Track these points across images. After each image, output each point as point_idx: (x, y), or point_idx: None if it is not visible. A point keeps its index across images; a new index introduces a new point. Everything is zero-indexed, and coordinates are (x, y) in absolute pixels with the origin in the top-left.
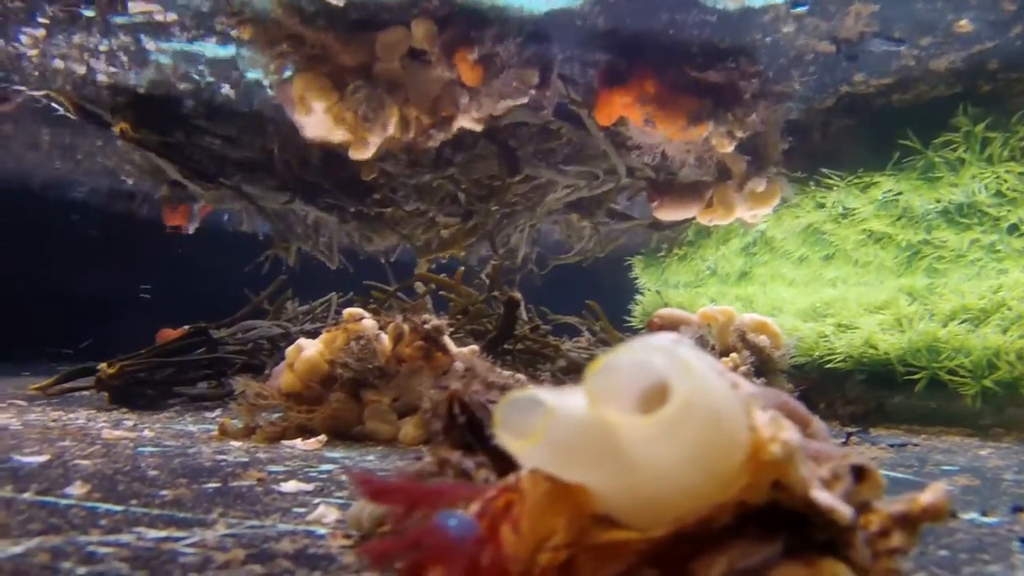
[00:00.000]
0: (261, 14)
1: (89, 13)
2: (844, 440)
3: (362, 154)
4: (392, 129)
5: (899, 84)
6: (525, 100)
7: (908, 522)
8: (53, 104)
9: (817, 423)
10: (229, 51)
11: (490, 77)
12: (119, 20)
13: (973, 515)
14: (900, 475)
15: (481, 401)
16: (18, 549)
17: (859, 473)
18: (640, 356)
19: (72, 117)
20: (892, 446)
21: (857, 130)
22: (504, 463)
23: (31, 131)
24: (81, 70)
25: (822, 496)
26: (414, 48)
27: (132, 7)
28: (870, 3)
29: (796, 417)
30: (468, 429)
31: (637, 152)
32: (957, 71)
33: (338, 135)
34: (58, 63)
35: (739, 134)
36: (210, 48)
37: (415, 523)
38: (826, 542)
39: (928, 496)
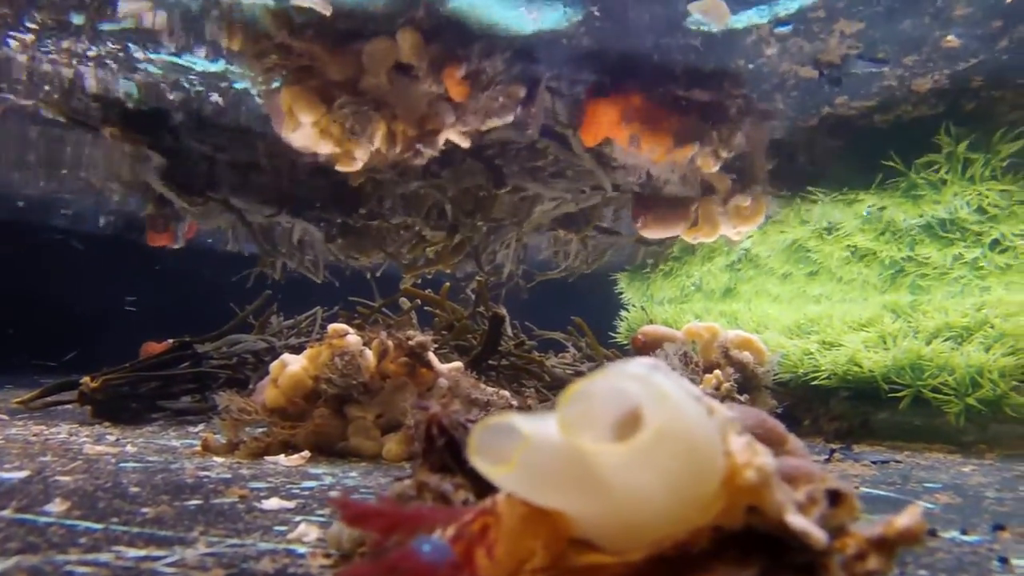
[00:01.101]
0: (250, 22)
1: (78, 20)
2: (828, 456)
3: (349, 167)
4: (379, 142)
5: (881, 105)
6: (511, 118)
7: (884, 545)
8: (41, 111)
9: (794, 441)
10: (219, 65)
11: (477, 92)
12: (108, 27)
13: (954, 533)
14: (883, 492)
15: (461, 421)
16: None
17: (835, 497)
18: (614, 383)
19: (62, 120)
20: (875, 463)
21: (841, 150)
22: (483, 484)
23: (17, 148)
24: (69, 74)
25: (797, 520)
26: (401, 63)
27: (122, 7)
28: (855, 21)
29: (773, 435)
30: (447, 451)
31: (622, 172)
32: (941, 91)
33: (325, 148)
34: (47, 66)
35: (724, 154)
36: (200, 62)
37: (393, 546)
38: (803, 565)
39: (904, 519)
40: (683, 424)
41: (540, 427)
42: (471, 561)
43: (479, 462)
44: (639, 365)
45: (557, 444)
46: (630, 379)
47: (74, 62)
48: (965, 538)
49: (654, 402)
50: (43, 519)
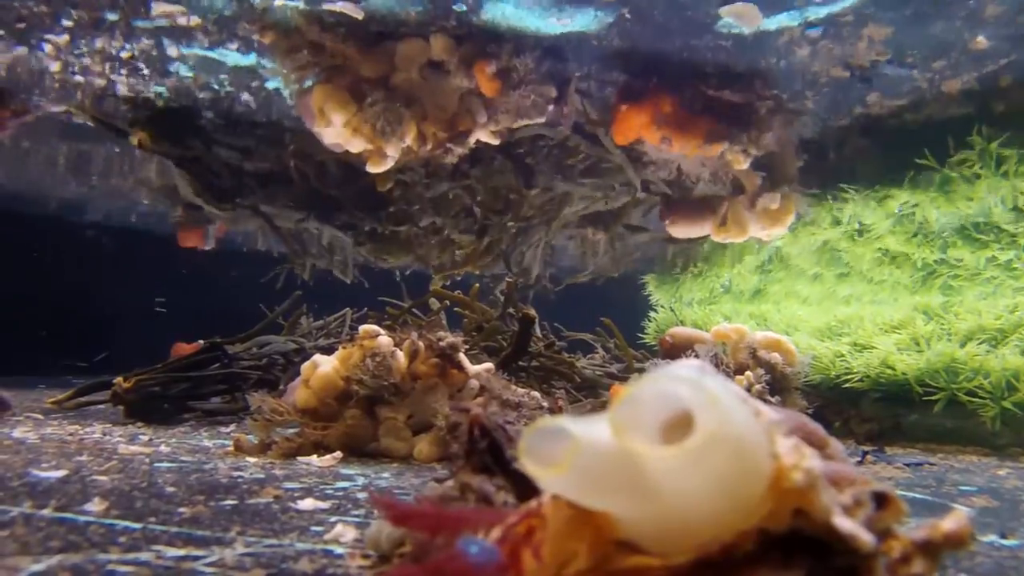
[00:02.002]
0: (282, 22)
1: (113, 17)
2: (860, 459)
3: (379, 167)
4: (409, 140)
5: (912, 105)
6: (543, 119)
7: (930, 549)
8: (73, 119)
9: (834, 444)
10: (250, 59)
11: (508, 89)
12: (141, 24)
13: (992, 537)
14: (918, 495)
15: (499, 423)
16: (39, 567)
17: (881, 500)
18: (665, 387)
19: (91, 124)
20: (909, 465)
21: (872, 149)
22: (524, 486)
23: (48, 149)
24: (101, 82)
25: (844, 523)
26: (433, 60)
27: (155, 8)
28: (883, 26)
29: (814, 439)
30: (489, 453)
31: (653, 168)
32: (970, 92)
33: (356, 145)
34: (79, 78)
35: (754, 152)
36: (232, 56)
37: (436, 548)
38: (847, 568)
39: (950, 523)
40: (733, 427)
41: (590, 429)
42: (517, 563)
43: (529, 464)
44: (688, 368)
45: (607, 446)
46: (681, 382)
47: (107, 67)
48: (1004, 542)
49: (705, 406)
50: (83, 518)
